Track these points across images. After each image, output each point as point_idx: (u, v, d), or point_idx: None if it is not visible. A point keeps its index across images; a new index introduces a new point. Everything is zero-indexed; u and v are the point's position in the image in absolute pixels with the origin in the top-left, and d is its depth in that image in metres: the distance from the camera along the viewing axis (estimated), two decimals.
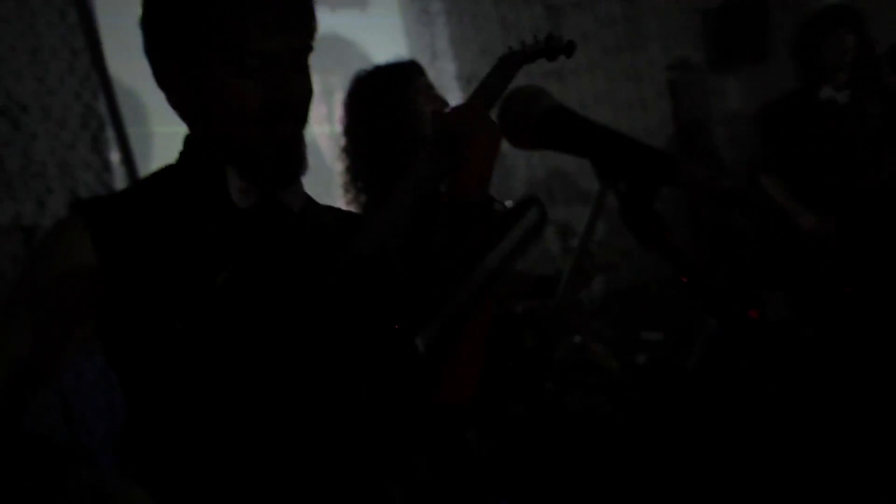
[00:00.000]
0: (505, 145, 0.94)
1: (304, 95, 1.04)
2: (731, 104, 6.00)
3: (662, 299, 4.16)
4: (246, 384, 0.95)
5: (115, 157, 3.03)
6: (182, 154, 1.09)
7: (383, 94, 1.77)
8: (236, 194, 1.04)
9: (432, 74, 4.33)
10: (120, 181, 3.00)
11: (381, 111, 1.74)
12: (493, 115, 0.83)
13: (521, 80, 4.47)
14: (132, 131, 3.12)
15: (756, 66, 5.73)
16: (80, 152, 2.94)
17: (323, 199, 1.21)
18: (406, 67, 1.83)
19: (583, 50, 5.08)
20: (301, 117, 1.04)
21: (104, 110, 3.01)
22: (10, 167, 2.84)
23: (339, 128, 1.86)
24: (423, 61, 4.39)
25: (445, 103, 1.82)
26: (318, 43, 1.05)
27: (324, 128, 3.89)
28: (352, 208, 1.76)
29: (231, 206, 1.04)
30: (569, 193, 4.89)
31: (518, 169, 4.79)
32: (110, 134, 3.03)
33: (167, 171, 1.11)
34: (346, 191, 1.80)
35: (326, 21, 3.86)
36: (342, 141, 1.82)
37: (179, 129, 1.09)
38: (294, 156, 1.04)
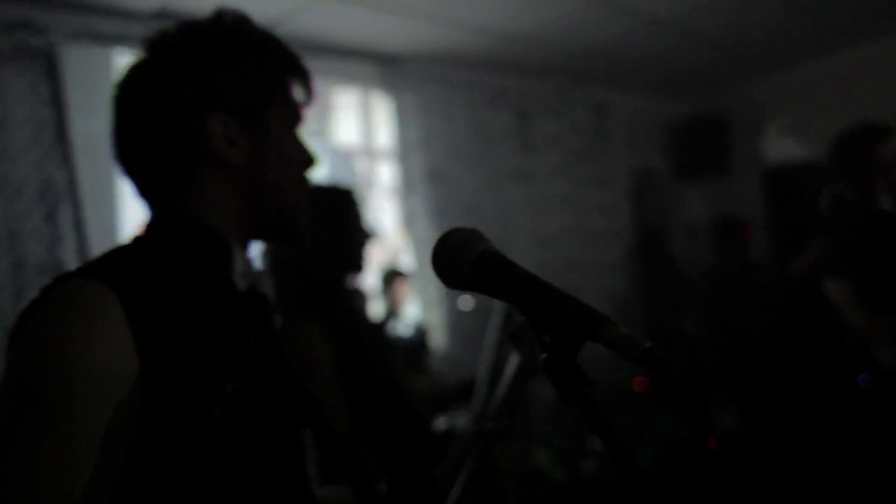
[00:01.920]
0: None
1: None
2: (690, 215, 6.19)
3: (614, 405, 4.14)
4: (270, 474, 0.94)
5: (68, 231, 3.01)
6: (178, 232, 0.96)
7: (324, 213, 1.82)
8: (238, 277, 1.00)
9: (402, 168, 4.46)
10: (71, 255, 2.99)
11: (319, 229, 1.79)
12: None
13: (487, 177, 4.58)
14: (91, 207, 3.13)
15: (716, 179, 5.95)
16: (34, 222, 2.94)
17: None
18: (347, 194, 1.91)
19: (551, 154, 5.24)
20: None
21: (64, 183, 3.02)
22: None
23: None
24: (394, 154, 4.55)
25: (370, 234, 1.92)
26: None
27: None
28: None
29: (232, 288, 0.99)
30: None
31: None
32: (67, 208, 3.03)
33: (156, 248, 0.95)
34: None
35: None
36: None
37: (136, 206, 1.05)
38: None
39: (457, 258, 0.74)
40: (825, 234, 3.06)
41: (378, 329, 1.98)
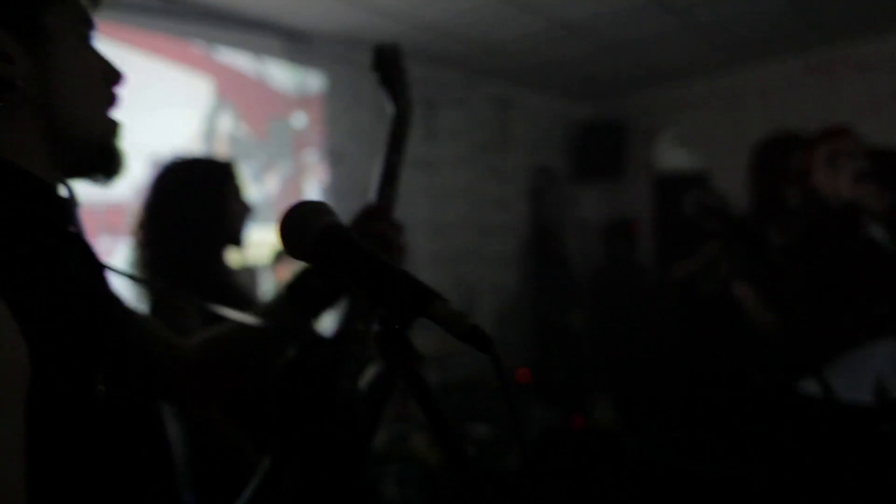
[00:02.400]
0: None
1: None
2: (584, 214, 6.40)
3: (497, 394, 4.24)
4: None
5: None
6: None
7: (201, 187, 1.79)
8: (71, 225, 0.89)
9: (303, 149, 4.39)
10: None
11: (196, 202, 1.76)
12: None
13: (373, 167, 4.51)
14: None
15: (611, 181, 6.18)
16: None
17: None
18: (225, 167, 1.88)
19: (454, 146, 5.28)
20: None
21: None
22: None
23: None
24: (297, 134, 4.46)
25: (249, 208, 1.89)
26: None
27: None
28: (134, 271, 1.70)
29: (73, 239, 0.88)
30: None
31: None
32: None
33: None
34: (137, 266, 1.73)
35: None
36: (140, 216, 1.78)
37: None
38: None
39: (301, 229, 0.74)
40: (705, 239, 3.23)
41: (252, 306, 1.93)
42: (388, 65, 1.44)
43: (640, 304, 5.02)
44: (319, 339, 1.27)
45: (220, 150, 4.00)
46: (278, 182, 4.34)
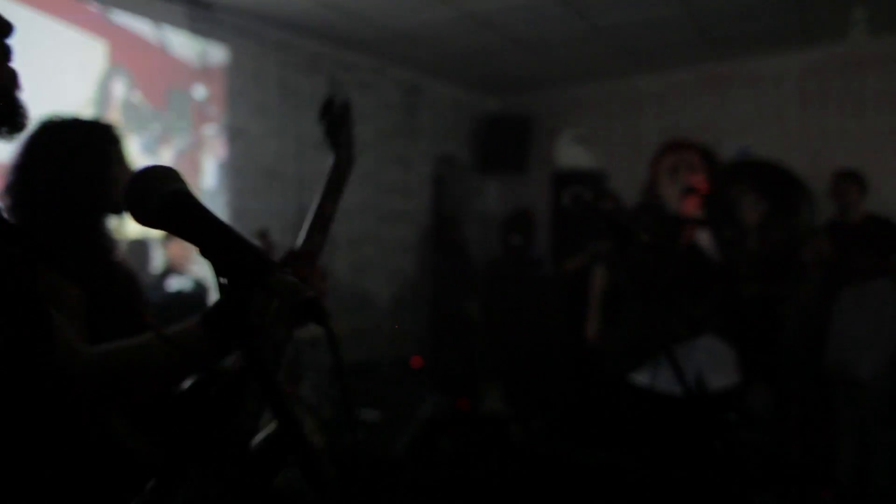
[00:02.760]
0: None
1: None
2: (486, 206, 6.51)
3: (390, 379, 4.28)
4: None
5: None
6: None
7: (84, 150, 1.65)
8: None
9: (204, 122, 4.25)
10: None
11: (73, 164, 1.62)
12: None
13: (291, 142, 4.49)
14: None
15: (514, 175, 6.30)
16: None
17: None
18: (109, 130, 1.73)
19: (359, 129, 5.23)
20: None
21: None
22: None
23: None
24: (199, 106, 4.31)
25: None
26: None
27: None
28: None
29: None
30: None
31: None
32: None
33: None
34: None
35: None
36: (9, 178, 1.64)
37: None
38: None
39: (148, 194, 0.73)
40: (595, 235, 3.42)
41: (131, 279, 1.84)
42: (335, 118, 1.47)
43: (533, 296, 5.16)
44: (223, 372, 1.23)
45: (114, 118, 3.82)
46: (173, 155, 4.18)
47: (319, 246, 1.38)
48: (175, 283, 4.04)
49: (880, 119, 4.96)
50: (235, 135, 4.41)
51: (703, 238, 2.54)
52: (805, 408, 3.91)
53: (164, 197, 0.71)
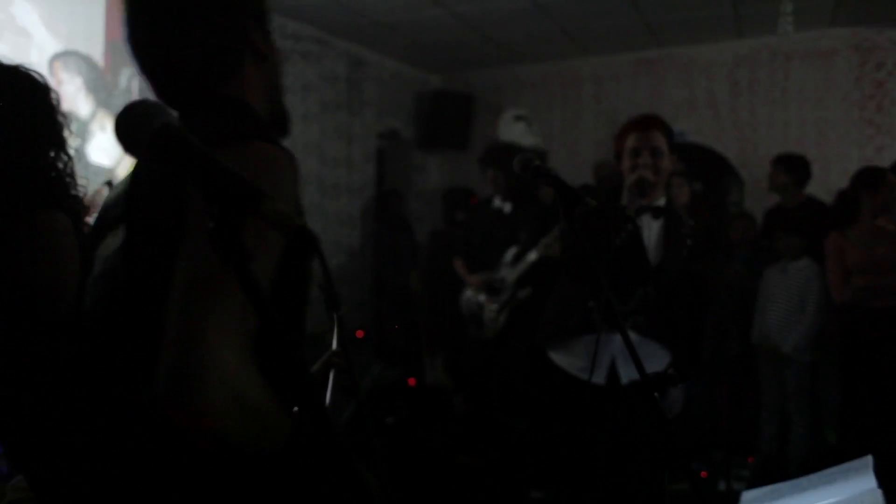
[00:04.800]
0: None
1: None
2: (428, 181, 6.55)
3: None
4: None
5: None
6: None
7: (30, 95, 1.56)
8: None
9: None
10: None
11: (25, 112, 1.54)
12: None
13: None
14: None
15: (456, 151, 6.35)
16: None
17: None
18: (42, 80, 1.61)
19: (302, 101, 5.18)
20: None
21: None
22: None
23: None
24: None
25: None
26: None
27: None
28: None
29: None
30: None
31: None
32: None
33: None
34: None
35: None
36: None
37: None
38: None
39: (139, 125, 0.76)
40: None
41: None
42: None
43: (473, 269, 5.24)
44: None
45: None
46: None
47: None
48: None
49: (804, 109, 5.24)
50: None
51: (654, 228, 2.52)
52: (732, 380, 4.15)
53: (155, 128, 0.74)
